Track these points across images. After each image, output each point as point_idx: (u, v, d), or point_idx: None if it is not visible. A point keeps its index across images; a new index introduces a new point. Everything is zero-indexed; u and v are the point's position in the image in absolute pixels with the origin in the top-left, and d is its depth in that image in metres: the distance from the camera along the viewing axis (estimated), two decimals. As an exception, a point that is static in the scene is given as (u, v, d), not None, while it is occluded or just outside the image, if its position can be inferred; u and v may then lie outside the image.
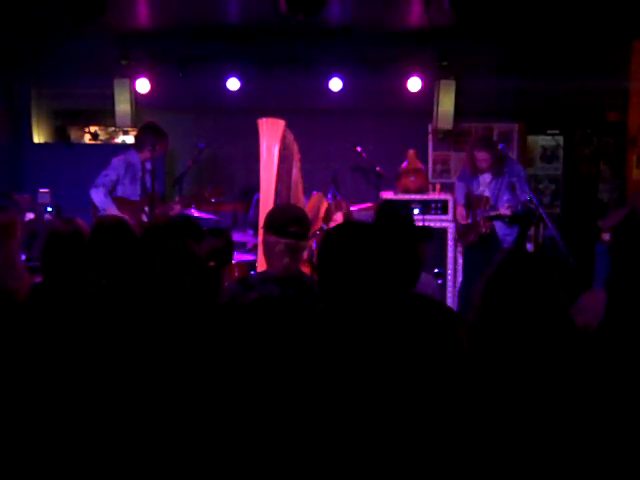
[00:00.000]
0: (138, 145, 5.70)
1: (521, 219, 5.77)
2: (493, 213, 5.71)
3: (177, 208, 5.73)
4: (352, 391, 1.86)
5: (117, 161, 5.63)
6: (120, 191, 5.61)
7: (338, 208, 5.49)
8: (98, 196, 5.54)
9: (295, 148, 4.24)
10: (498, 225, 5.73)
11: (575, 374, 2.06)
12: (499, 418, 1.94)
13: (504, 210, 5.61)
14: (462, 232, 5.96)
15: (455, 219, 6.10)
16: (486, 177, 5.80)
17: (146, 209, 5.53)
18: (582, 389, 2.01)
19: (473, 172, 5.83)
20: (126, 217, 5.35)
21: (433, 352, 2.06)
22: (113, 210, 5.48)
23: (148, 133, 5.67)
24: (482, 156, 5.69)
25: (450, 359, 2.09)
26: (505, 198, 5.68)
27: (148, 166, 5.65)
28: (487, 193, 5.76)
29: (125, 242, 2.54)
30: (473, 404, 1.94)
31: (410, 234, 2.80)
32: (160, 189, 6.74)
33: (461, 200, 5.96)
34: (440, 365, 2.03)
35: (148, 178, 5.64)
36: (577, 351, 2.11)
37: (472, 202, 5.84)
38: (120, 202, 5.56)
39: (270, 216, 3.01)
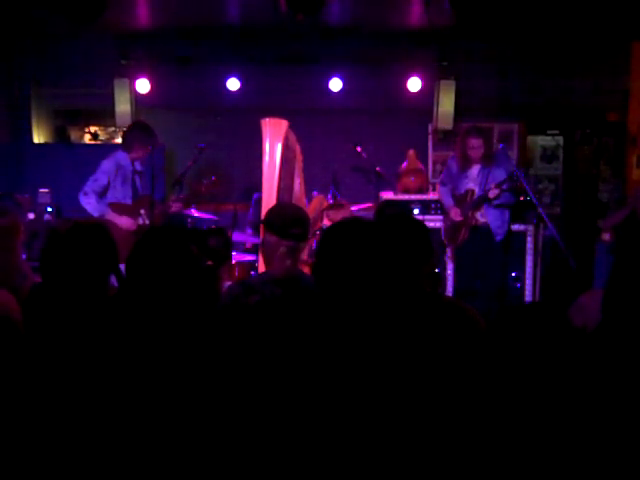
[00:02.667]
0: (127, 145, 5.49)
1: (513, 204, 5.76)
2: (478, 198, 5.65)
3: (176, 206, 5.64)
4: (354, 390, 1.86)
5: (107, 164, 5.39)
6: (111, 195, 5.40)
7: (339, 209, 5.45)
8: (90, 203, 5.31)
9: (297, 149, 4.24)
10: (490, 217, 5.69)
11: (572, 373, 2.06)
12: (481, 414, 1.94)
13: (492, 192, 5.53)
14: (452, 232, 5.86)
15: (447, 221, 5.96)
16: (474, 171, 5.73)
17: (142, 211, 5.39)
18: (579, 389, 2.01)
19: (463, 166, 5.73)
20: (126, 222, 5.31)
21: (439, 348, 2.06)
22: (110, 215, 5.31)
23: (137, 132, 5.50)
24: (476, 143, 5.62)
25: (457, 356, 2.09)
26: (494, 178, 5.59)
27: (137, 166, 5.49)
28: (475, 187, 5.72)
29: (102, 246, 2.52)
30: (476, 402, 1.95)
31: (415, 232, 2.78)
32: (160, 189, 6.75)
33: (451, 202, 5.88)
34: (445, 363, 2.03)
35: (137, 179, 5.50)
36: (572, 350, 2.12)
37: (458, 201, 5.80)
38: (116, 208, 5.38)
39: (272, 215, 2.98)
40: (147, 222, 5.42)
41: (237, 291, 2.91)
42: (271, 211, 3.06)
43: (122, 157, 5.46)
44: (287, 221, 2.88)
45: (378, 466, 1.82)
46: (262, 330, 2.05)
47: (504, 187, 5.54)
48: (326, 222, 5.35)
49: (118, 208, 5.38)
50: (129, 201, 5.48)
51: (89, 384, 2.01)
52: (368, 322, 1.97)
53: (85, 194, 5.32)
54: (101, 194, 5.37)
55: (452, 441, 1.88)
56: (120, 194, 5.42)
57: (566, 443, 1.92)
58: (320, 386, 1.87)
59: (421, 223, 2.85)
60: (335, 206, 5.53)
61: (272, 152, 3.87)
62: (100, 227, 2.57)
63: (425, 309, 2.49)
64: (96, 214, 5.33)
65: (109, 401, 1.97)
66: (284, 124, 3.94)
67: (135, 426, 1.93)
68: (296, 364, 1.91)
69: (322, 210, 5.33)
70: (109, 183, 5.38)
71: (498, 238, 5.69)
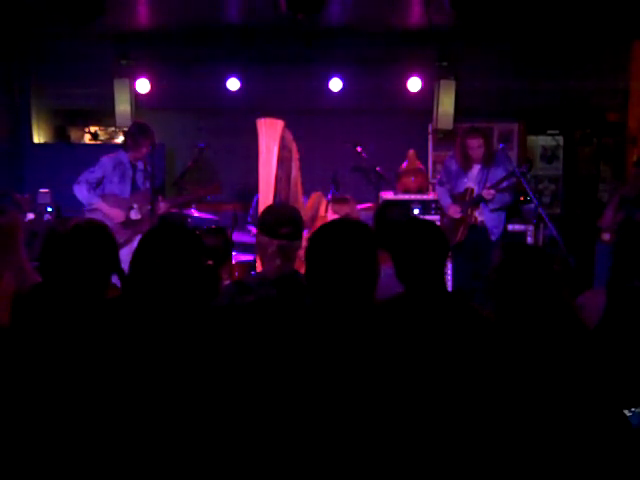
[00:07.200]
0: (125, 144, 5.75)
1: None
2: (477, 196, 5.66)
3: (162, 207, 5.74)
4: (345, 390, 1.85)
5: (106, 159, 5.66)
6: (108, 189, 5.63)
7: (344, 203, 5.41)
8: (81, 192, 5.58)
9: (294, 148, 4.23)
10: (487, 216, 5.69)
11: (575, 371, 2.06)
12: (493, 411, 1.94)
13: (486, 192, 5.54)
14: (450, 230, 5.80)
15: (445, 219, 5.92)
16: (474, 171, 5.74)
17: (135, 206, 5.57)
18: (580, 387, 2.01)
19: (464, 167, 5.73)
20: (115, 213, 5.49)
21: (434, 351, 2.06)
22: (99, 204, 5.53)
23: (134, 133, 5.68)
24: (475, 143, 5.61)
25: (452, 357, 2.09)
26: (493, 177, 5.60)
27: (140, 165, 5.68)
28: (474, 186, 5.71)
29: (102, 245, 2.51)
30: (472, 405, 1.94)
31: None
32: (161, 189, 6.75)
33: (449, 200, 5.85)
34: (452, 360, 2.03)
35: (140, 177, 5.68)
36: (578, 347, 2.11)
37: (457, 199, 5.79)
38: (108, 199, 5.59)
39: (263, 216, 2.99)
40: (139, 217, 5.59)
41: (232, 291, 2.90)
42: (263, 212, 3.08)
43: (122, 156, 5.69)
44: (276, 221, 2.88)
45: (378, 465, 1.81)
46: (255, 330, 2.05)
47: (503, 185, 5.55)
48: (331, 215, 5.34)
49: (110, 200, 5.60)
50: (126, 196, 5.67)
51: (85, 383, 2.01)
52: (361, 321, 1.97)
53: (78, 183, 5.60)
54: (95, 186, 5.61)
55: (461, 438, 1.87)
56: (117, 189, 5.64)
57: (567, 438, 1.92)
58: (314, 386, 1.87)
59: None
60: (340, 200, 5.51)
61: (268, 152, 3.87)
62: (101, 227, 2.56)
63: (429, 307, 2.49)
64: (86, 203, 5.59)
65: (104, 400, 1.97)
66: (279, 124, 3.94)
67: (130, 424, 1.93)
68: (291, 364, 1.91)
69: (326, 205, 5.32)
70: (104, 177, 5.62)
71: (493, 237, 5.69)
